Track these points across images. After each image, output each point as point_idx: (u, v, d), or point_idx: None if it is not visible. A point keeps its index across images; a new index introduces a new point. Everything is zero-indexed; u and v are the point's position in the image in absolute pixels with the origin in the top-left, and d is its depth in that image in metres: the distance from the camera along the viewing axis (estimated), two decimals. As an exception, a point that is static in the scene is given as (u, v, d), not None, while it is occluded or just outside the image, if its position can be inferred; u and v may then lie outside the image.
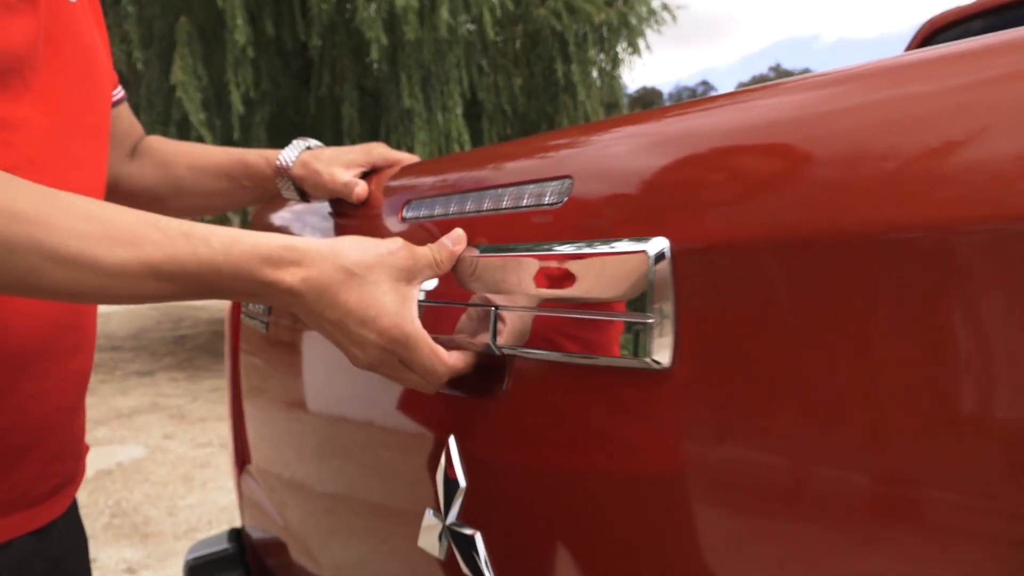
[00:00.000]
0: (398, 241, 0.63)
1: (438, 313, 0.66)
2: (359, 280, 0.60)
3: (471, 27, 7.04)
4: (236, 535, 1.32)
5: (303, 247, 0.60)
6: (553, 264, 0.54)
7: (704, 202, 0.47)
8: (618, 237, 0.50)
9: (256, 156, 1.00)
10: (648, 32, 8.27)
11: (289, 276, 0.58)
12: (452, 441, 0.66)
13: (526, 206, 0.60)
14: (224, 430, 5.06)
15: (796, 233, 0.41)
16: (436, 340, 0.63)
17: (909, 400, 0.36)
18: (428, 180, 0.79)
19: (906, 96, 0.40)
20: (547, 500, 0.58)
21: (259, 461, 1.20)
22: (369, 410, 0.83)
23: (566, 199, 0.57)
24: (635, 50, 8.01)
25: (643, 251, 0.48)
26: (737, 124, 0.47)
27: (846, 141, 0.40)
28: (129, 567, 2.94)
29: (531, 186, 0.61)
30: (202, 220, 0.71)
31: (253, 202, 1.07)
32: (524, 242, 0.59)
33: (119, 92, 0.99)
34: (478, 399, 0.65)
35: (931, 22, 2.17)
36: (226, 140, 6.41)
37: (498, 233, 0.63)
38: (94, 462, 4.58)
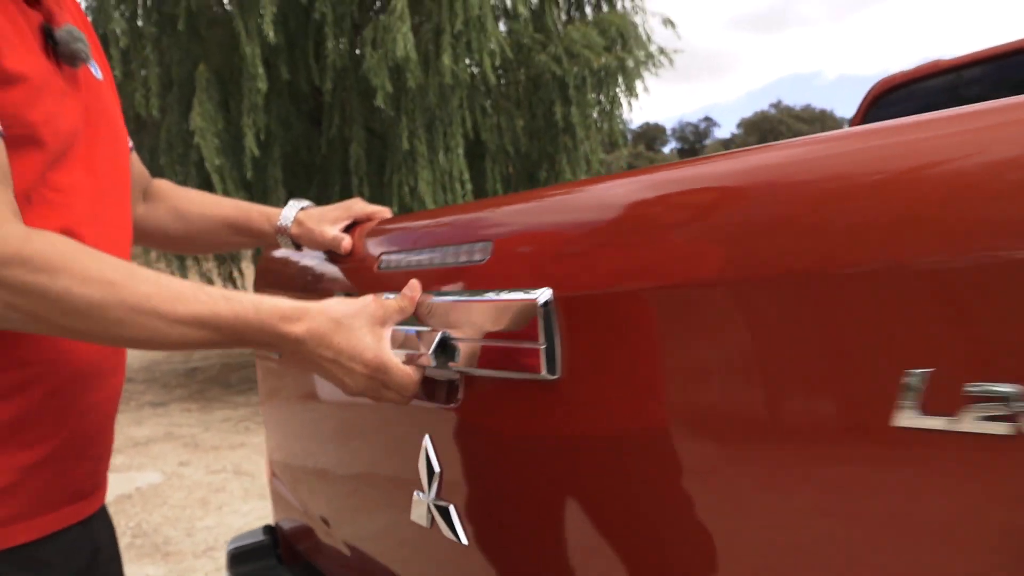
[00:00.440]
0: (370, 296, 0.89)
1: (406, 341, 0.91)
2: (346, 327, 0.85)
3: (474, 70, 7.35)
4: (270, 529, 1.55)
5: (304, 306, 0.84)
6: (481, 307, 0.80)
7: (573, 261, 0.72)
8: (521, 287, 0.75)
9: (259, 215, 1.22)
10: (646, 74, 8.58)
11: (297, 328, 0.83)
12: (427, 439, 0.92)
13: (463, 262, 0.86)
14: (237, 457, 5.27)
15: (619, 285, 0.67)
16: (405, 362, 0.88)
17: (683, 400, 0.61)
18: (396, 237, 1.05)
19: (665, 197, 0.66)
20: (494, 476, 0.84)
21: (283, 464, 1.45)
22: (365, 421, 1.09)
23: (489, 257, 0.82)
24: (632, 93, 8.31)
25: (534, 299, 0.73)
26: (592, 205, 0.73)
27: (648, 225, 0.66)
28: (153, 581, 3.14)
29: (464, 247, 0.86)
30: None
31: (252, 247, 1.32)
32: (462, 290, 0.85)
33: (129, 143, 1.16)
34: (443, 406, 0.90)
35: (879, 84, 2.43)
36: (241, 180, 6.70)
37: (445, 281, 0.89)
38: (114, 487, 4.78)
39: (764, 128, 61.62)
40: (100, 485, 1.00)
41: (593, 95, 8.04)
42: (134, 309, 0.75)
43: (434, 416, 0.92)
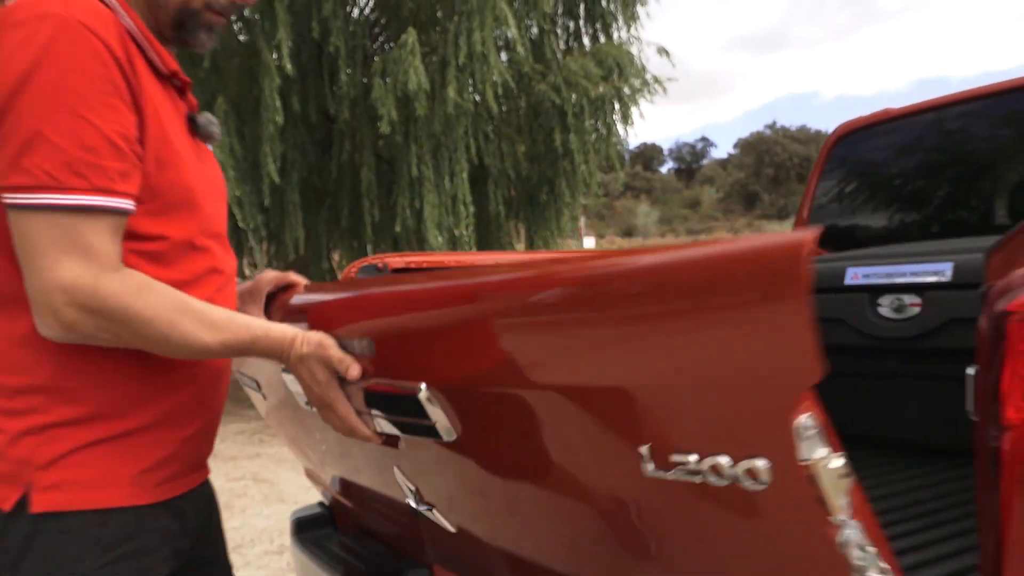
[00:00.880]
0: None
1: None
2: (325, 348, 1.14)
3: (477, 98, 7.73)
4: (323, 506, 1.89)
5: (302, 333, 1.14)
6: (384, 391, 1.11)
7: (438, 360, 1.03)
8: (408, 380, 1.06)
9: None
10: (642, 101, 8.97)
11: (297, 348, 1.13)
12: (396, 468, 1.28)
13: (359, 353, 1.13)
14: (255, 466, 5.59)
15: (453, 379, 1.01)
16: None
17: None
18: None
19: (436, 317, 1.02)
20: (441, 487, 1.21)
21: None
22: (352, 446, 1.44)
23: (375, 353, 1.10)
24: (628, 121, 8.70)
25: (420, 389, 1.04)
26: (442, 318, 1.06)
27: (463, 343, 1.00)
28: None
29: (356, 342, 1.13)
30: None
31: None
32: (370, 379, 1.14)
33: None
34: (393, 448, 1.25)
35: (838, 129, 2.79)
36: (260, 206, 7.08)
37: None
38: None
39: (760, 148, 62.23)
40: (210, 455, 1.35)
41: (591, 122, 8.41)
42: (186, 339, 1.06)
43: (397, 450, 1.27)
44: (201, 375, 1.20)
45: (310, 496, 4.82)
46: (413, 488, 1.28)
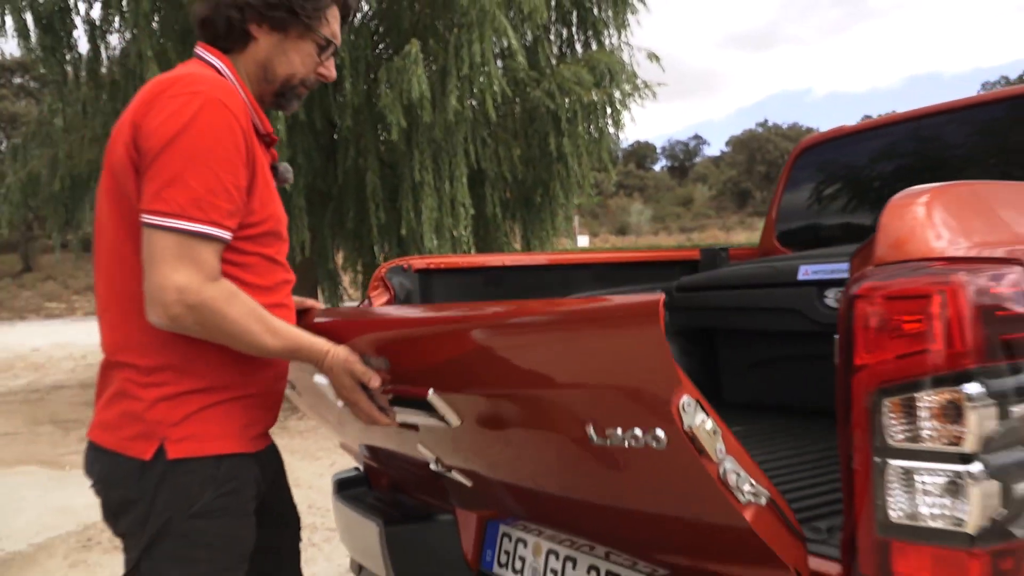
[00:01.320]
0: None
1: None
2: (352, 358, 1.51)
3: (475, 104, 8.08)
4: (358, 470, 2.25)
5: (333, 347, 1.48)
6: (401, 393, 1.49)
7: (439, 371, 1.41)
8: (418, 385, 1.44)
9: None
10: (632, 104, 9.34)
11: (330, 359, 1.47)
12: (419, 445, 1.65)
13: (377, 367, 1.51)
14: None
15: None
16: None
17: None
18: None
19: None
20: (457, 455, 1.60)
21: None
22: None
23: (388, 368, 1.49)
24: (619, 124, 9.08)
25: (428, 393, 1.41)
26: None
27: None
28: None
29: (374, 359, 1.51)
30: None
31: None
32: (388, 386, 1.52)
33: None
34: (413, 432, 1.60)
35: (800, 144, 3.16)
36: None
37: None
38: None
39: (752, 146, 62.75)
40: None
41: (584, 126, 8.78)
42: (254, 340, 1.41)
43: (418, 435, 1.64)
44: (278, 361, 1.58)
45: (323, 483, 5.16)
46: (435, 457, 1.64)
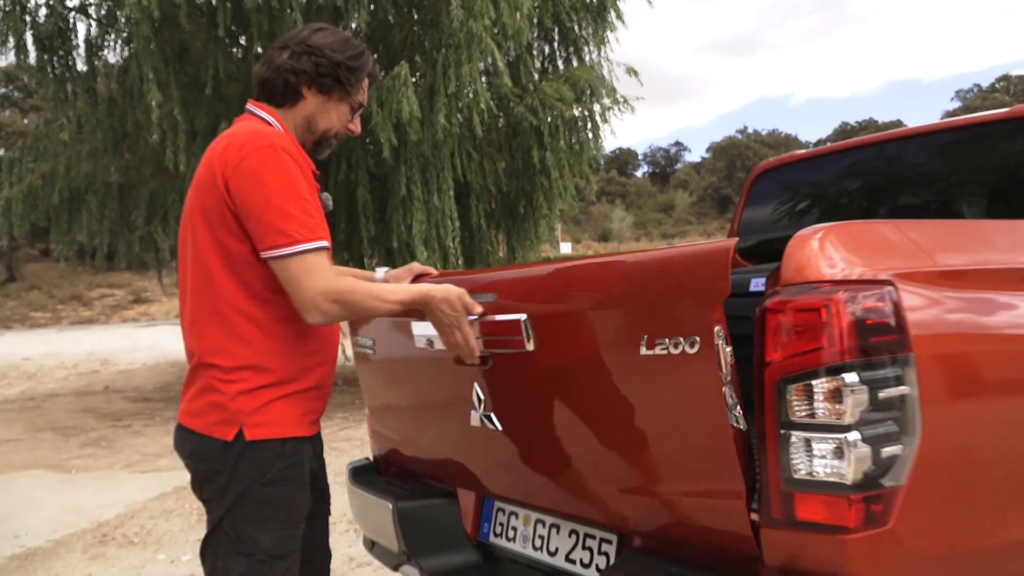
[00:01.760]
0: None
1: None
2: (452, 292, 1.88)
3: (461, 120, 8.43)
4: (367, 459, 2.59)
5: (433, 286, 1.87)
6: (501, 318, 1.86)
7: (530, 304, 1.78)
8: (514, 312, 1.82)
9: (363, 276, 2.26)
10: (612, 117, 9.75)
11: (440, 293, 1.84)
12: (476, 385, 1.98)
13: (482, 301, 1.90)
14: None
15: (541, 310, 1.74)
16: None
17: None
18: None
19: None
20: (512, 398, 1.92)
21: (381, 418, 2.49)
22: (441, 379, 2.13)
23: (495, 300, 1.87)
24: (599, 137, 9.48)
25: (519, 319, 1.78)
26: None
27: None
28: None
29: (482, 294, 1.92)
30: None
31: None
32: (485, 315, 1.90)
33: None
34: (481, 368, 1.96)
35: (757, 168, 3.53)
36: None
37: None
38: (172, 480, 5.74)
39: (732, 153, 63.61)
40: None
41: (565, 139, 9.16)
42: (375, 309, 1.80)
43: (479, 372, 1.97)
44: (329, 359, 1.95)
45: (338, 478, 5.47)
46: (482, 398, 1.96)
